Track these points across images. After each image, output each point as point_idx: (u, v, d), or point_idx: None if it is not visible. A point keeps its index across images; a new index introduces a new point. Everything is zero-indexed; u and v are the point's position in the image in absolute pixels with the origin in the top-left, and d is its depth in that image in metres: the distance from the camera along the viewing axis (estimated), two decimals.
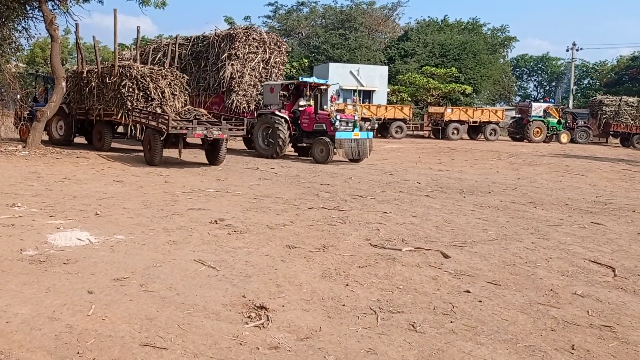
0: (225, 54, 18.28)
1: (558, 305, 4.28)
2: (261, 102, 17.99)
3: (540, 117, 30.16)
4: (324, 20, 49.40)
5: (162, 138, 12.56)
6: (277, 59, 19.58)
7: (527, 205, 9.22)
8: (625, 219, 8.31)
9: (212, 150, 13.48)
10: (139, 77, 14.18)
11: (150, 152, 12.77)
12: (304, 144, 16.62)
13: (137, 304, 3.94)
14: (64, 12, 15.98)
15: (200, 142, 13.57)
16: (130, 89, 14.08)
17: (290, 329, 3.63)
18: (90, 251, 5.25)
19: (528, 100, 44.48)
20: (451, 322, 3.86)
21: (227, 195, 8.99)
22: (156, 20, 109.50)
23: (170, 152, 13.66)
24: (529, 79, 76.50)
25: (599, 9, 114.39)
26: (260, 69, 19.06)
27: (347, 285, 4.56)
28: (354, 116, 15.93)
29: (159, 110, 13.59)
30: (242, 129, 14.14)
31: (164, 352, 3.22)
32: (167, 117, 12.34)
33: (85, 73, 15.60)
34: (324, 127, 15.56)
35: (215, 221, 6.77)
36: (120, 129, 16.20)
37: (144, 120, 13.45)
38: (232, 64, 18.24)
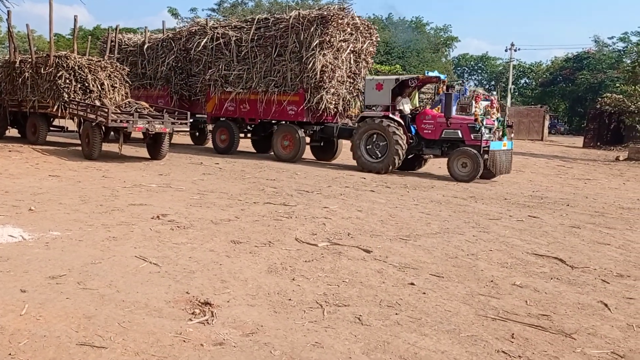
0: (316, 41, 13.80)
1: (498, 296, 4.40)
2: (351, 104, 15.12)
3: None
4: (269, 14, 49.10)
5: (101, 131, 12.17)
6: (369, 49, 15.28)
7: (468, 200, 9.46)
8: (560, 212, 8.66)
9: (154, 145, 13.13)
10: (76, 68, 13.65)
11: (89, 146, 12.33)
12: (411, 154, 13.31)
13: (74, 302, 3.78)
14: None
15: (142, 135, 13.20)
16: (67, 80, 13.52)
17: (236, 324, 3.57)
18: (24, 248, 5.00)
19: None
20: (396, 314, 3.90)
21: (169, 190, 8.78)
22: (93, 10, 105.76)
23: (109, 147, 13.23)
24: (470, 77, 78.72)
25: (533, 11, 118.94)
26: (351, 61, 14.84)
27: (293, 279, 4.54)
28: (494, 121, 12.50)
29: (97, 103, 13.12)
30: (186, 123, 13.72)
31: (103, 351, 3.10)
32: (106, 110, 11.94)
33: (18, 63, 14.87)
34: (460, 135, 12.31)
35: (158, 217, 6.59)
36: (56, 122, 15.57)
37: (82, 113, 12.97)
38: (324, 54, 13.96)
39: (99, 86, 13.78)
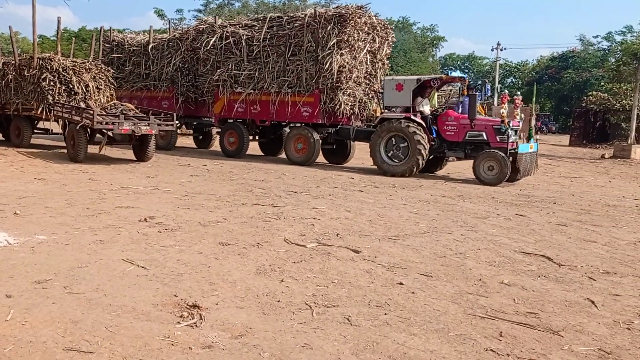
0: (334, 40, 13.27)
1: (486, 295, 4.42)
2: (367, 105, 14.66)
3: None
4: (256, 15, 49.00)
5: (86, 134, 12.10)
6: (387, 51, 14.69)
7: (456, 199, 9.50)
8: (547, 210, 8.73)
9: (140, 146, 13.06)
10: (60, 70, 13.54)
11: (74, 148, 12.23)
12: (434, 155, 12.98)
13: (61, 306, 3.74)
14: None
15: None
16: (52, 83, 13.41)
17: (224, 327, 3.56)
18: (9, 253, 4.94)
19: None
20: (385, 314, 3.90)
21: (157, 192, 8.72)
22: (77, 12, 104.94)
23: (96, 149, 13.12)
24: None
25: (519, 11, 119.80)
26: (368, 62, 14.25)
27: (282, 281, 4.52)
28: (519, 123, 12.25)
29: (82, 105, 13.03)
30: (172, 125, 13.62)
31: (90, 356, 3.07)
32: (92, 112, 11.86)
33: (1, 65, 14.71)
34: (485, 137, 11.98)
35: (145, 219, 6.55)
36: (40, 124, 15.42)
37: (66, 115, 12.86)
38: (342, 53, 13.41)
39: (83, 88, 13.68)
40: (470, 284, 4.69)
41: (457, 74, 13.60)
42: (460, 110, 12.64)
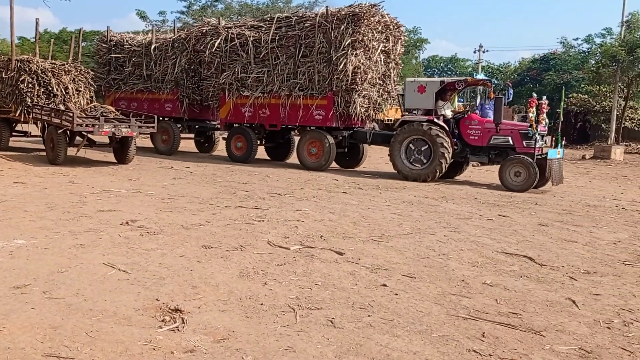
0: (348, 40, 12.77)
1: (469, 295, 4.44)
2: (381, 107, 14.21)
3: None
4: (240, 17, 48.86)
5: (66, 136, 12.00)
6: (399, 51, 14.25)
7: (439, 200, 9.55)
8: (528, 211, 8.81)
9: (121, 149, 12.99)
10: (39, 72, 13.44)
11: (54, 151, 12.12)
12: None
13: (40, 312, 3.68)
14: None
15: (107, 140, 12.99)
16: (30, 85, 13.30)
17: (207, 330, 3.53)
18: None
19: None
20: (369, 315, 3.90)
21: (139, 195, 8.65)
22: (58, 13, 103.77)
23: (73, 151, 12.98)
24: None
25: (500, 13, 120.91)
26: (382, 63, 13.81)
27: (265, 284, 4.50)
28: (545, 128, 11.83)
29: (62, 107, 12.91)
30: (153, 127, 13.48)
31: None
32: (71, 114, 11.74)
33: None
34: (511, 142, 11.63)
35: (127, 222, 6.48)
36: (18, 127, 15.24)
37: (45, 118, 12.73)
38: (357, 54, 12.93)
39: (63, 90, 13.57)
40: (453, 284, 4.71)
41: (481, 76, 13.28)
42: (480, 114, 12.38)
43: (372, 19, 13.11)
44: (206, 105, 16.23)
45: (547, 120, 11.91)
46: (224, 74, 14.86)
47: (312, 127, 13.97)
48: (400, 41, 14.10)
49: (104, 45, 17.93)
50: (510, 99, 15.47)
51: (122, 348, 3.22)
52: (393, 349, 3.38)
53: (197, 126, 17.37)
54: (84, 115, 12.58)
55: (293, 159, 15.32)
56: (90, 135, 12.43)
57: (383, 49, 13.63)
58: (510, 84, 17.19)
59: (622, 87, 28.84)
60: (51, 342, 3.25)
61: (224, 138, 15.66)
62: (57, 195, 8.22)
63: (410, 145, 12.24)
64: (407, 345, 3.44)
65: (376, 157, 17.42)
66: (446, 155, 11.77)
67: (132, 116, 12.95)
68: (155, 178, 10.90)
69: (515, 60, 79.79)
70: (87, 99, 14.14)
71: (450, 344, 3.49)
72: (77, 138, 12.72)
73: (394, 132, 12.79)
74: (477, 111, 12.31)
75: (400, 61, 14.42)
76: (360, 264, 5.19)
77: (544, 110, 11.63)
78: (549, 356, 3.38)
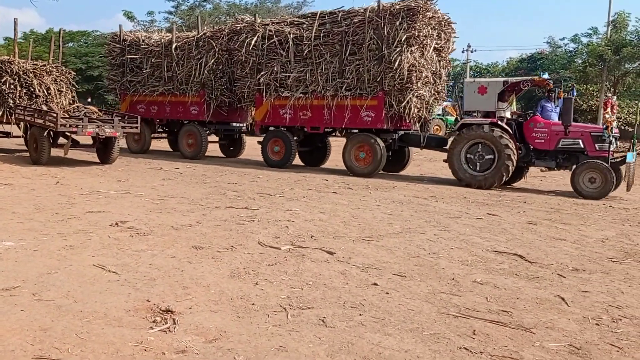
0: (403, 36, 11.97)
1: (459, 294, 4.47)
2: (433, 108, 13.52)
3: (439, 115, 31.54)
4: (228, 17, 48.71)
5: (49, 136, 12.02)
6: (451, 49, 13.48)
7: (429, 199, 9.59)
8: (517, 209, 8.87)
9: (105, 149, 13.00)
10: (21, 73, 13.45)
11: (37, 151, 12.16)
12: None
13: (30, 314, 3.65)
14: None
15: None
16: (12, 86, 13.28)
17: (198, 331, 3.52)
18: None
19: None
20: (360, 314, 3.91)
21: (128, 196, 8.60)
22: (44, 14, 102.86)
23: (60, 152, 12.92)
24: None
25: (488, 13, 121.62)
26: (436, 61, 13.07)
27: (256, 284, 4.50)
28: (617, 130, 11.23)
29: (45, 108, 12.90)
30: (137, 127, 13.29)
31: None
32: (55, 115, 11.73)
33: None
34: (581, 145, 10.91)
35: (116, 224, 6.45)
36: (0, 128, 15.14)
37: (29, 118, 12.71)
38: (412, 50, 12.18)
39: (45, 91, 13.57)
40: (444, 283, 4.74)
41: (546, 76, 12.52)
42: (541, 115, 11.61)
43: (426, 14, 12.40)
44: (233, 107, 15.62)
45: (616, 122, 11.24)
46: (261, 73, 13.99)
47: (353, 130, 13.17)
48: (451, 39, 13.36)
49: (116, 45, 17.05)
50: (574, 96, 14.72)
51: (113, 349, 3.20)
52: (384, 347, 3.39)
53: (224, 129, 16.39)
54: (67, 116, 12.58)
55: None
56: (74, 136, 12.40)
57: (435, 46, 12.87)
58: (574, 85, 15.56)
59: (608, 86, 29.15)
60: (41, 344, 3.23)
61: (259, 142, 14.68)
62: (45, 197, 8.16)
63: (471, 149, 11.51)
64: (398, 343, 3.46)
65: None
66: (512, 161, 11.07)
67: (115, 116, 12.99)
68: (145, 179, 10.84)
69: (503, 60, 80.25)
70: (69, 99, 14.12)
71: (441, 341, 3.51)
72: (61, 138, 12.70)
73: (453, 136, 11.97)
74: (538, 112, 11.64)
75: (449, 60, 13.68)
76: (351, 264, 5.20)
77: (614, 110, 10.94)
78: (539, 353, 3.41)
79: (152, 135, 16.94)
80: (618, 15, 29.28)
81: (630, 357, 3.42)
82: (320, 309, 3.98)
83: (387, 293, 4.40)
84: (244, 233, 6.28)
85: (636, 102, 30.35)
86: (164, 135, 17.88)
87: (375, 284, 4.60)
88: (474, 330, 3.70)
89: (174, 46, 15.76)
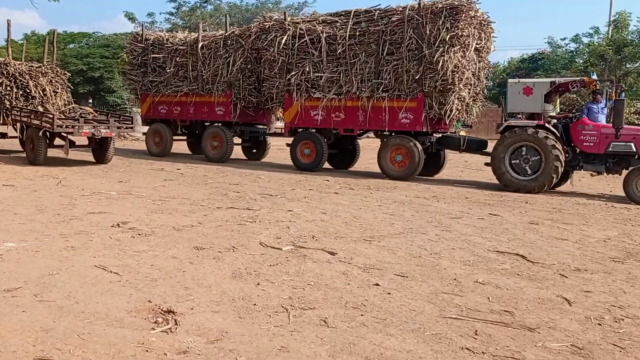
0: (447, 35, 11.57)
1: (461, 294, 4.46)
2: (472, 110, 12.89)
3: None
4: (229, 18, 48.74)
5: (46, 137, 12.12)
6: (491, 49, 13.03)
7: (431, 200, 9.58)
8: (519, 209, 8.86)
9: (100, 149, 13.12)
10: (16, 74, 13.54)
11: (33, 152, 12.31)
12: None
13: (31, 315, 3.65)
14: None
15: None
16: (8, 87, 13.36)
17: (200, 332, 3.52)
18: None
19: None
20: (361, 315, 3.90)
21: (130, 197, 8.61)
22: (45, 15, 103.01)
23: (57, 152, 12.97)
24: None
25: (490, 14, 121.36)
26: (476, 61, 12.60)
27: (258, 284, 4.50)
28: None
29: (40, 109, 12.98)
30: (132, 128, 13.54)
31: None
32: (51, 116, 11.81)
33: None
34: (633, 149, 10.48)
35: (118, 224, 6.45)
36: None
37: (25, 119, 12.79)
38: (455, 51, 11.72)
39: (40, 92, 13.67)
40: (445, 283, 4.73)
41: (594, 76, 12.21)
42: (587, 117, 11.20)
43: (469, 13, 11.93)
44: (258, 108, 15.24)
45: None
46: (291, 73, 13.51)
47: (386, 132, 12.81)
48: (490, 38, 12.90)
49: (138, 45, 16.73)
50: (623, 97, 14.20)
51: (115, 350, 3.20)
52: (386, 347, 3.38)
53: (249, 131, 15.93)
54: (63, 117, 12.67)
55: (284, 160, 15.25)
56: (70, 137, 12.44)
57: (476, 46, 12.39)
58: (623, 86, 14.10)
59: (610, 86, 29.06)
60: (43, 344, 3.23)
61: (287, 144, 14.19)
62: (47, 198, 8.17)
63: (515, 153, 11.14)
64: (400, 344, 3.45)
65: (367, 157, 17.43)
66: (559, 165, 10.70)
67: (110, 116, 13.09)
68: (146, 180, 10.85)
69: (504, 60, 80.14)
70: (64, 100, 14.19)
71: (443, 342, 3.50)
72: (57, 139, 12.76)
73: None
74: (584, 114, 11.23)
75: (487, 60, 13.23)
76: (353, 264, 5.19)
77: None
78: (542, 353, 3.40)
79: (173, 138, 16.51)
80: (619, 14, 29.24)
81: (632, 357, 3.42)
82: (322, 310, 3.98)
83: (389, 293, 4.40)
84: (246, 234, 6.28)
85: (638, 101, 30.31)
86: (182, 137, 17.32)
87: (377, 285, 4.60)
88: (476, 331, 3.70)
89: (200, 45, 15.37)
